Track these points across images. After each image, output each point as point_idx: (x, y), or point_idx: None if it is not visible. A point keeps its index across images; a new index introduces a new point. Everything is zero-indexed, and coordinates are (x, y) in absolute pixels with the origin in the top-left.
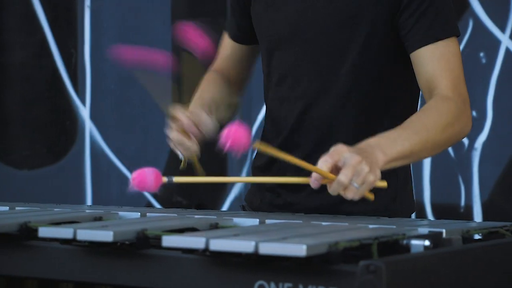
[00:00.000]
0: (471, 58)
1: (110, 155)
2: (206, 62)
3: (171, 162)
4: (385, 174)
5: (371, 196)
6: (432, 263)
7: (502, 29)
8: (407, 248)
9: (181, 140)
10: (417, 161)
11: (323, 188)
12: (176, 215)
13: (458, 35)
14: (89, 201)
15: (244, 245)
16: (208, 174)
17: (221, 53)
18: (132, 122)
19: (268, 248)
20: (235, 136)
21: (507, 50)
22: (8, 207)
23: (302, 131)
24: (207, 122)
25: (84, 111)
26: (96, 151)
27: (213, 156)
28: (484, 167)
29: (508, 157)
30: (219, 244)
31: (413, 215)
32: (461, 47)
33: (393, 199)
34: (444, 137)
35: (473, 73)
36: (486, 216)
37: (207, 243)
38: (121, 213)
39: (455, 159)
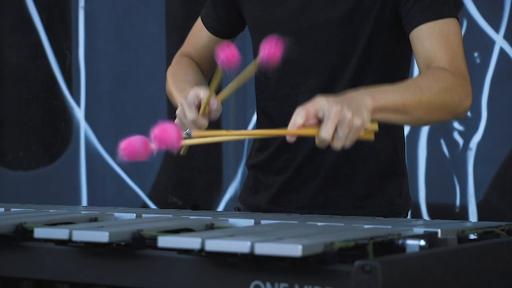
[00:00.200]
0: (465, 58)
1: (105, 156)
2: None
3: (166, 162)
4: (392, 172)
5: (369, 136)
6: (428, 263)
7: (496, 29)
8: (403, 248)
9: (199, 121)
10: (415, 122)
11: (323, 186)
12: (171, 215)
13: (456, 18)
14: (84, 202)
15: (240, 245)
16: (204, 174)
17: (194, 41)
18: (127, 123)
19: (264, 248)
20: (163, 134)
21: (501, 50)
22: (3, 208)
23: None
24: (220, 108)
25: (79, 112)
26: (91, 152)
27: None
28: (479, 167)
29: (503, 157)
30: (215, 245)
31: (408, 215)
32: None
33: (398, 194)
34: (441, 100)
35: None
36: (481, 216)
37: (202, 244)
38: (116, 214)
39: (450, 159)
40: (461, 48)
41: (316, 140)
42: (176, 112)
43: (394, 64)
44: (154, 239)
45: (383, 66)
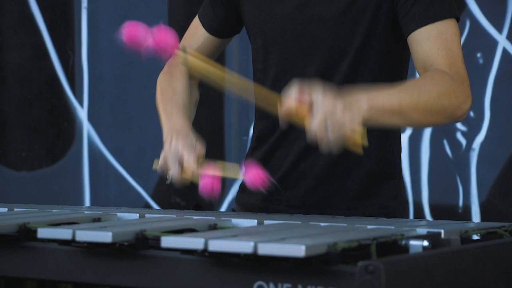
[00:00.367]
0: (468, 58)
1: (108, 156)
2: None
3: None
4: (387, 174)
5: (358, 148)
6: (431, 263)
7: (499, 29)
8: (406, 248)
9: (194, 171)
10: (411, 124)
11: (316, 186)
12: (174, 216)
13: (457, 17)
14: (87, 202)
15: (243, 246)
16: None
17: (191, 40)
18: (130, 123)
19: (267, 248)
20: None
21: (504, 50)
22: (6, 209)
23: None
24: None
25: (82, 113)
26: (94, 152)
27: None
28: (482, 167)
29: (506, 158)
30: (218, 245)
31: (411, 216)
32: None
33: (393, 197)
34: (439, 104)
35: (470, 73)
36: (484, 216)
37: (206, 244)
38: (119, 214)
39: (453, 159)
40: (460, 49)
41: (306, 131)
42: (165, 146)
43: (392, 63)
44: (157, 239)
45: (380, 64)
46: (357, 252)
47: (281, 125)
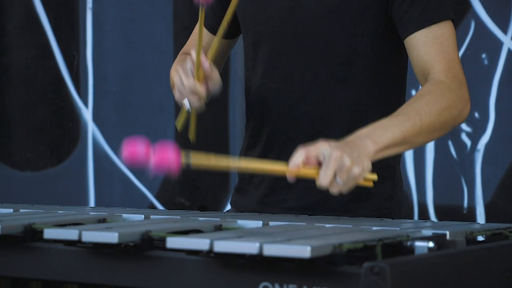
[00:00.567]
0: (473, 59)
1: (112, 157)
2: None
3: None
4: (383, 175)
5: (368, 184)
6: (436, 264)
7: (504, 30)
8: (411, 249)
9: (197, 88)
10: (417, 146)
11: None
12: (180, 217)
13: (453, 19)
14: (92, 202)
15: (249, 247)
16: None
17: (195, 41)
18: (135, 124)
19: (273, 249)
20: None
21: (509, 51)
22: (12, 209)
23: (294, 123)
24: (215, 74)
25: (87, 113)
26: (98, 152)
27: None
28: (487, 168)
29: (511, 158)
30: (224, 246)
31: (415, 217)
32: (463, 48)
33: (388, 198)
34: (441, 121)
35: (475, 74)
36: (489, 217)
37: (211, 245)
38: (124, 215)
39: (457, 160)
40: (457, 52)
41: (316, 183)
42: (175, 81)
43: (386, 63)
44: (162, 240)
45: (373, 63)
46: (362, 253)
47: (289, 180)
